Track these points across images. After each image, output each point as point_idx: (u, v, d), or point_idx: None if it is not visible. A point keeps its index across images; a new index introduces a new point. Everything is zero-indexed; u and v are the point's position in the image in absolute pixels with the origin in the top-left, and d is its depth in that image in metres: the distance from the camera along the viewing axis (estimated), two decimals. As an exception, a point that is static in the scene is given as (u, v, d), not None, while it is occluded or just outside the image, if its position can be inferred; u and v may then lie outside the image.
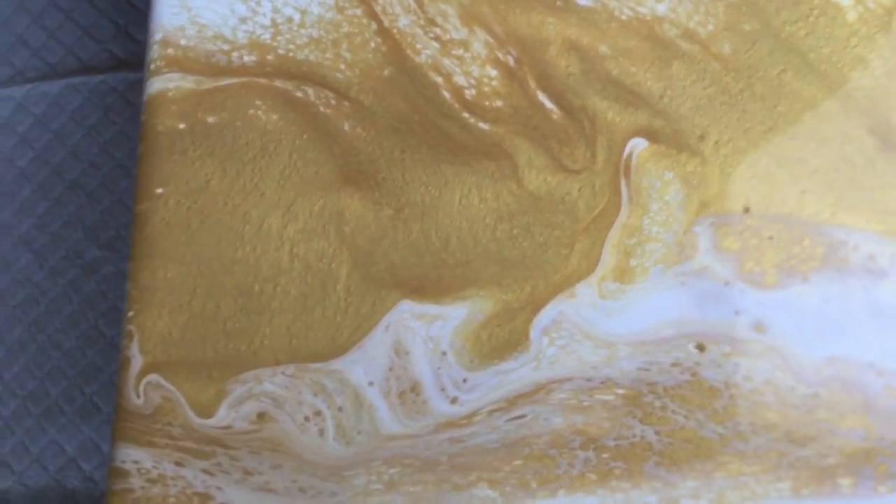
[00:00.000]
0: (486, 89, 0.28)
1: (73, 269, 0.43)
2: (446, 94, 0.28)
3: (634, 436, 0.26)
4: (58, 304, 0.42)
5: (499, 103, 0.28)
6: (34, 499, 0.40)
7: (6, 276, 0.43)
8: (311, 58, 0.28)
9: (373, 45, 0.28)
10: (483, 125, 0.28)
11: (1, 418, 0.41)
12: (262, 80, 0.28)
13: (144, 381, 0.27)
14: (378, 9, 0.28)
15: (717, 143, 0.28)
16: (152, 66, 0.28)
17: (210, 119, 0.28)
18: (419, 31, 0.28)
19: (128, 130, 0.45)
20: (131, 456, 0.26)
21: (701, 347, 0.27)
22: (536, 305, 0.27)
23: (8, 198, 0.43)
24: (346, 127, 0.28)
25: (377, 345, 0.27)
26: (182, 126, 0.28)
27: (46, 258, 0.43)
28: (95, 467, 0.42)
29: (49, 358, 0.42)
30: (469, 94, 0.28)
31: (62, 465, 0.40)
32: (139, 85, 0.44)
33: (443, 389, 0.27)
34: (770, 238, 0.27)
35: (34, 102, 0.44)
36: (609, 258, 0.27)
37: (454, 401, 0.27)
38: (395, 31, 0.28)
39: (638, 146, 0.28)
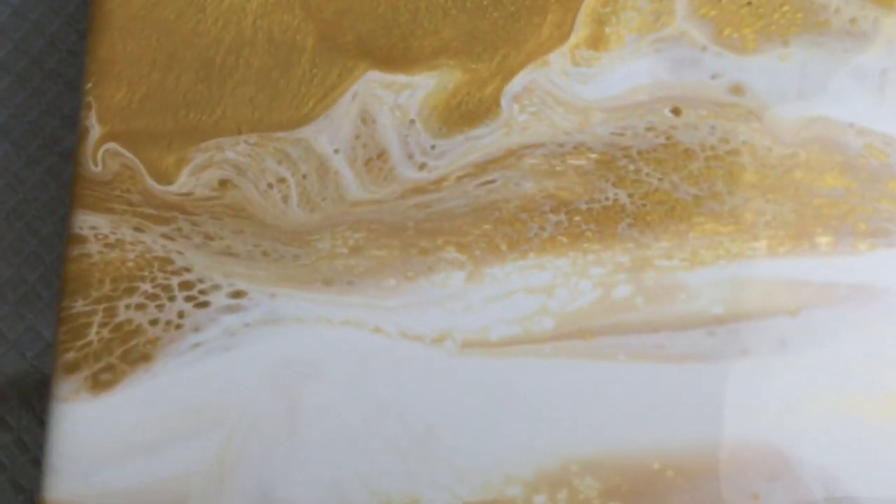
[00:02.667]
0: None
1: (50, 157, 0.42)
2: None
3: (607, 199, 0.25)
4: (35, 191, 0.42)
5: None
6: (11, 385, 0.40)
7: (-17, 167, 0.42)
8: None
9: None
10: None
11: (-24, 306, 0.40)
12: None
13: (102, 149, 0.26)
14: None
15: None
16: None
17: None
18: None
19: (106, 13, 0.45)
20: (88, 222, 0.26)
21: (676, 111, 0.26)
22: (507, 74, 0.26)
23: (-15, 88, 0.43)
24: None
25: (343, 114, 0.26)
26: None
27: (24, 147, 0.42)
28: (74, 351, 0.42)
29: (26, 245, 0.41)
30: None
31: (39, 350, 0.40)
32: (117, -34, 0.43)
33: (410, 156, 0.26)
34: (749, 4, 0.26)
35: (12, -8, 0.43)
36: (583, 27, 0.27)
37: (422, 167, 0.26)
38: None
39: (613, -86, 0.27)
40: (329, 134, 0.26)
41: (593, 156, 0.26)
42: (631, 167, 0.26)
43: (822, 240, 0.25)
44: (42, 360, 0.39)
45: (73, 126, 0.42)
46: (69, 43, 0.43)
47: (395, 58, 0.27)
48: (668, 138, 0.26)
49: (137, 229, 0.26)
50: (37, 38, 0.43)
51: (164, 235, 0.25)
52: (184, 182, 0.26)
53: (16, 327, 0.40)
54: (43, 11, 0.43)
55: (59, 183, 0.41)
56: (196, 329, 0.25)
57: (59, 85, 0.42)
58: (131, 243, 0.25)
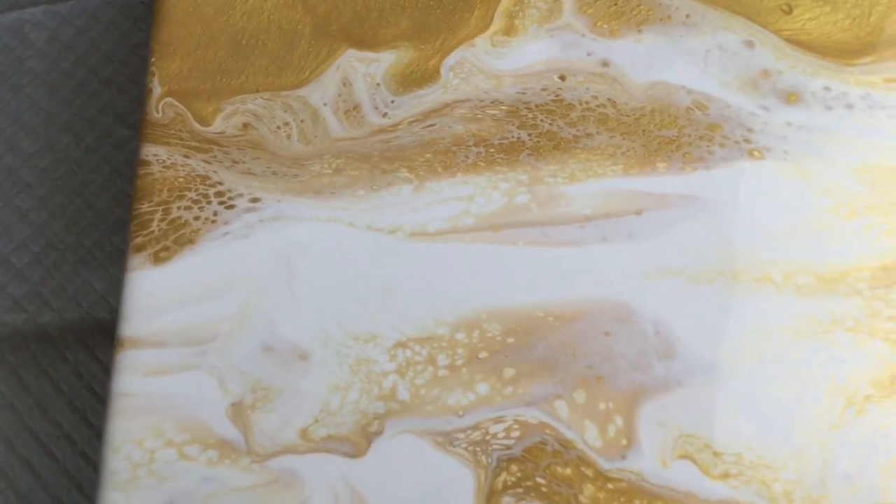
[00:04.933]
0: None
1: (105, 147, 0.48)
2: None
3: (513, 137, 0.36)
4: (92, 174, 0.48)
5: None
6: (70, 328, 0.45)
7: (50, 155, 0.48)
8: None
9: None
10: (410, -71, 0.39)
11: (43, 267, 0.47)
12: None
13: (162, 102, 0.37)
14: None
15: (579, -61, 0.38)
16: None
17: (211, -74, 0.39)
18: None
19: (154, 36, 0.49)
20: (153, 151, 0.37)
21: (563, 77, 0.37)
22: (445, 52, 0.38)
23: (53, 92, 0.49)
24: (311, -67, 0.39)
25: (330, 79, 0.38)
26: (191, -69, 0.39)
27: (84, 138, 0.48)
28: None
29: (84, 216, 0.47)
30: None
31: (93, 301, 0.46)
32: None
33: (376, 108, 0.37)
34: (615, 4, 0.38)
35: (76, 16, 0.51)
36: (499, 20, 0.38)
37: (384, 115, 0.37)
38: None
39: (522, -58, 0.38)
40: (320, 93, 0.37)
41: (504, 108, 0.37)
42: (530, 115, 0.37)
43: (661, 165, 0.36)
44: (95, 308, 0.45)
45: (123, 121, 0.48)
46: (121, 56, 0.50)
47: (367, 41, 0.38)
48: (556, 96, 0.37)
49: (185, 156, 0.37)
50: (95, 52, 0.50)
51: (204, 160, 0.37)
52: (218, 125, 0.37)
53: (74, 282, 0.46)
54: (100, 30, 0.50)
55: (112, 167, 0.48)
56: (225, 223, 0.36)
57: (113, 90, 0.49)
58: (181, 165, 0.37)
